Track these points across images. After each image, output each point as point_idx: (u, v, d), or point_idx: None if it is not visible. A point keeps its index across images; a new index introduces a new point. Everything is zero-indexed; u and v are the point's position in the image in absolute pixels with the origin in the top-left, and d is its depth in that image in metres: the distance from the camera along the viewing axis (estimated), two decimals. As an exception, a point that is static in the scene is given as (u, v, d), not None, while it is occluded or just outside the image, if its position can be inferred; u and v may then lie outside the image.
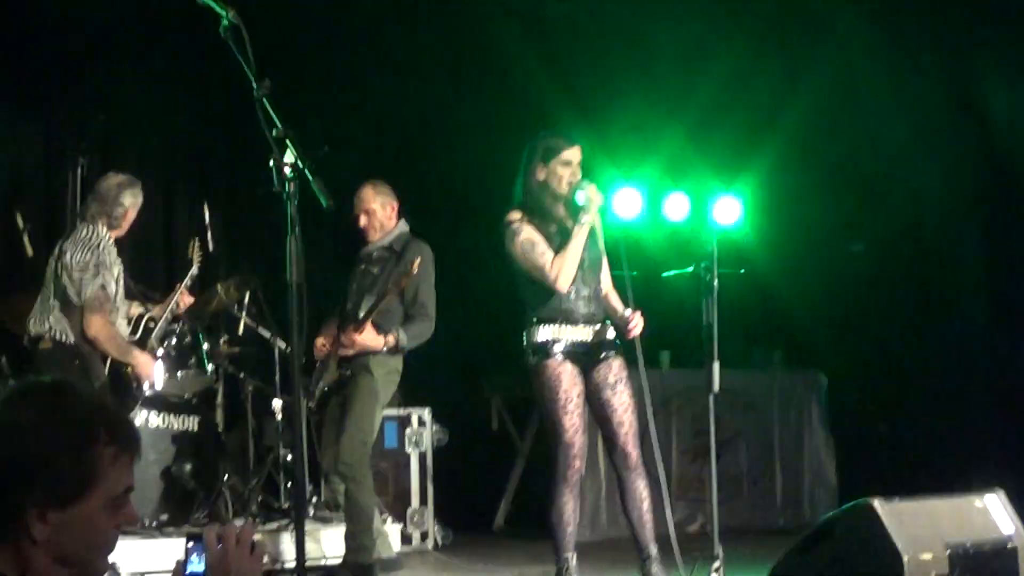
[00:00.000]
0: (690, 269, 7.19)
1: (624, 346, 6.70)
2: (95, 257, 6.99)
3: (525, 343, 6.60)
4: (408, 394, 9.49)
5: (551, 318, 6.53)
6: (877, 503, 5.26)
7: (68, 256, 7.02)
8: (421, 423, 9.32)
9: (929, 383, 11.23)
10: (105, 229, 7.15)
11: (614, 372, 6.60)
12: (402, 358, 7.49)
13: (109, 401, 2.63)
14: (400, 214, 7.61)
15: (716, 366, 6.29)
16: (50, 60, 9.74)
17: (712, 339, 6.34)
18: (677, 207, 9.33)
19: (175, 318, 7.87)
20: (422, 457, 9.29)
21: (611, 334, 6.69)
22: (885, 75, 11.20)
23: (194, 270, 7.90)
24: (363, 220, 7.51)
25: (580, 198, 6.45)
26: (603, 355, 6.61)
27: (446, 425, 9.52)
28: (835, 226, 11.91)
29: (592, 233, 6.60)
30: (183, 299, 7.72)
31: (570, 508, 6.51)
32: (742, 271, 10.01)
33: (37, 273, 8.00)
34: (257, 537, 2.76)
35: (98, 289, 6.95)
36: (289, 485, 8.57)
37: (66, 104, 9.82)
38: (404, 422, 9.27)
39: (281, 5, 9.66)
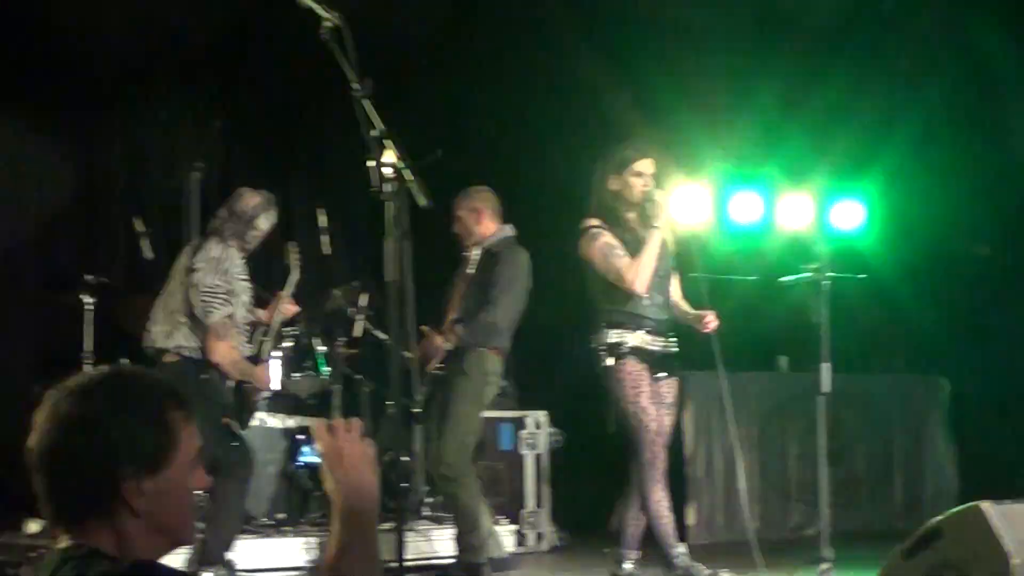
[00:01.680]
0: (806, 274, 7.14)
1: (707, 347, 6.75)
2: (226, 283, 6.97)
3: (596, 345, 6.77)
4: (525, 396, 9.54)
5: (623, 322, 6.71)
6: (986, 506, 5.16)
7: (199, 275, 6.94)
8: (537, 425, 9.34)
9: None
10: (237, 251, 7.13)
11: (673, 393, 6.85)
12: (500, 359, 7.48)
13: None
14: (500, 217, 7.64)
15: (826, 367, 6.26)
16: (170, 66, 9.94)
17: (821, 341, 6.29)
18: (797, 211, 9.21)
19: (282, 326, 7.89)
20: (538, 459, 9.31)
21: (674, 350, 6.88)
22: (1012, 74, 11.02)
23: (294, 276, 7.86)
24: (455, 226, 7.63)
25: (649, 207, 6.67)
26: (665, 370, 6.81)
27: (563, 427, 9.53)
28: (959, 229, 11.74)
29: (664, 244, 6.80)
30: (287, 308, 7.71)
31: (667, 500, 6.73)
32: (862, 276, 9.92)
33: (157, 276, 8.14)
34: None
35: (225, 316, 6.94)
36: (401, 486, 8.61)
37: (185, 109, 9.99)
38: (520, 424, 9.30)
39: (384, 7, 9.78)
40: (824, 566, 6.41)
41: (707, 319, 6.77)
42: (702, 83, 11.00)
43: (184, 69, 9.96)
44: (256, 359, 7.28)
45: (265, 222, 7.27)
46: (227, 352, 6.94)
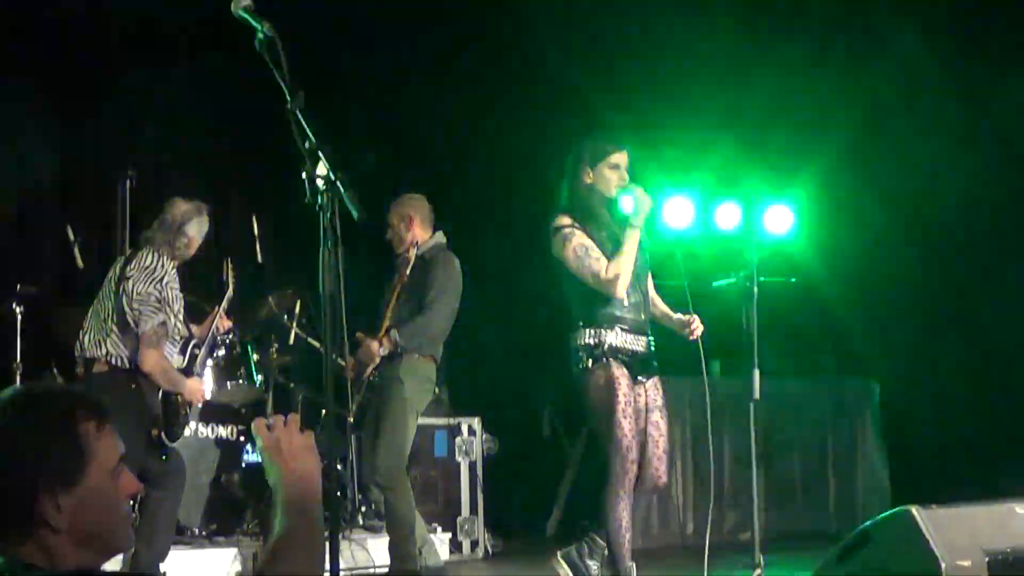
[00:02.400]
0: (735, 278, 7.14)
1: (688, 352, 6.62)
2: (158, 291, 6.92)
3: (573, 347, 6.43)
4: (459, 403, 9.56)
5: (600, 323, 6.36)
6: (916, 510, 5.22)
7: (131, 284, 6.91)
8: (471, 432, 9.35)
9: (985, 389, 11.17)
10: (169, 259, 7.10)
11: (660, 395, 6.52)
12: (433, 365, 7.50)
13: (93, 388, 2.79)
14: (433, 226, 7.66)
15: (756, 373, 6.24)
16: (101, 73, 9.88)
17: (753, 347, 6.27)
18: (728, 216, 9.27)
19: (216, 341, 7.88)
20: (472, 466, 9.32)
21: (653, 348, 6.57)
22: (938, 81, 11.15)
23: (230, 292, 7.88)
24: (387, 233, 7.64)
25: (627, 203, 6.33)
26: (648, 371, 6.50)
27: (497, 434, 9.54)
28: (889, 234, 11.86)
29: (640, 240, 6.46)
30: (222, 323, 7.71)
31: (627, 515, 6.36)
32: (792, 280, 9.99)
33: (88, 285, 8.08)
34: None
35: (157, 325, 6.89)
36: (339, 495, 8.61)
37: (116, 117, 9.93)
38: (454, 431, 9.31)
39: (321, 18, 9.78)
40: (758, 571, 6.45)
41: (693, 325, 6.56)
42: (638, 94, 11.08)
43: (116, 75, 9.90)
44: (189, 371, 7.24)
45: (195, 229, 7.23)
46: (158, 361, 6.89)
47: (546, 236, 6.59)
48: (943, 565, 5.03)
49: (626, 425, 6.27)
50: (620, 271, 6.30)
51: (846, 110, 11.26)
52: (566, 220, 6.47)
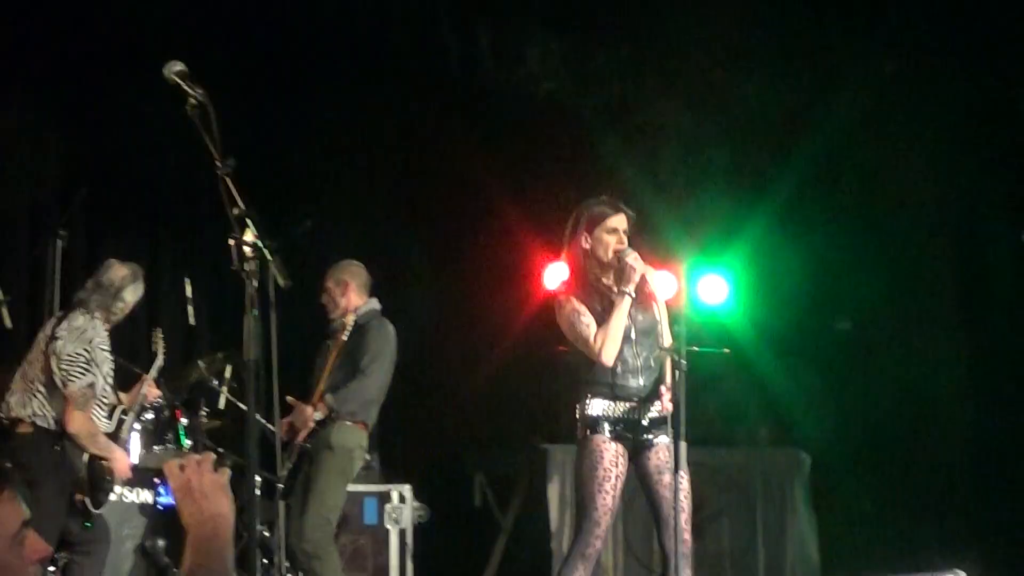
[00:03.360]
0: (663, 349, 7.11)
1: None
2: (87, 352, 6.89)
3: (577, 416, 6.39)
4: (390, 470, 9.50)
5: (600, 392, 6.33)
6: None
7: (60, 344, 6.89)
8: (402, 499, 9.28)
9: (913, 462, 11.23)
10: (102, 323, 7.07)
11: (668, 457, 6.34)
12: (365, 433, 7.49)
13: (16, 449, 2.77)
14: (369, 292, 7.67)
15: (683, 446, 6.21)
16: (34, 130, 9.82)
17: (679, 418, 6.24)
18: (662, 286, 9.30)
19: (144, 409, 7.83)
20: (402, 533, 9.24)
21: (661, 412, 6.45)
22: (871, 153, 11.28)
23: (159, 361, 7.87)
24: (322, 297, 7.65)
25: (620, 269, 6.30)
26: (653, 435, 6.41)
27: (428, 502, 9.49)
28: (822, 304, 11.93)
29: (644, 302, 6.44)
30: (150, 391, 7.67)
31: None
32: (726, 350, 10.03)
33: (15, 346, 8.01)
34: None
35: (85, 386, 6.85)
36: (266, 562, 8.52)
37: (48, 176, 9.87)
38: (384, 498, 9.23)
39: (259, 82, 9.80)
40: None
41: (663, 400, 6.39)
42: (571, 160, 11.15)
43: (49, 131, 9.85)
44: (116, 436, 7.18)
45: (132, 295, 7.22)
46: (84, 423, 6.84)
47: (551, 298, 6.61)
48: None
49: (600, 499, 6.25)
50: (608, 337, 6.25)
51: (780, 180, 11.35)
52: (562, 287, 6.53)
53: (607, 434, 6.29)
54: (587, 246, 6.42)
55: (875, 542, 10.81)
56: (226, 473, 2.81)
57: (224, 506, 2.75)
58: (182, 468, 2.79)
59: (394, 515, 9.23)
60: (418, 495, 9.40)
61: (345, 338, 7.46)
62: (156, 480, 8.18)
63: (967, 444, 11.13)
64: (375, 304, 7.69)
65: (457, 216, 11.37)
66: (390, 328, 7.58)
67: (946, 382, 11.37)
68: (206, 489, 2.74)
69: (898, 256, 11.56)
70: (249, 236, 4.20)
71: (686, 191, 11.28)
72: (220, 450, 8.82)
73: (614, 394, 6.34)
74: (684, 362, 6.13)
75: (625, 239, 6.40)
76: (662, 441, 6.41)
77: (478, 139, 11.09)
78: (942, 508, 10.93)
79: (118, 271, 7.23)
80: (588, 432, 6.31)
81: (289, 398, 7.36)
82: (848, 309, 12.13)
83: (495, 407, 11.19)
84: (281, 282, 4.21)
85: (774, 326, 11.34)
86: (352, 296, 7.64)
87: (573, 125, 11.36)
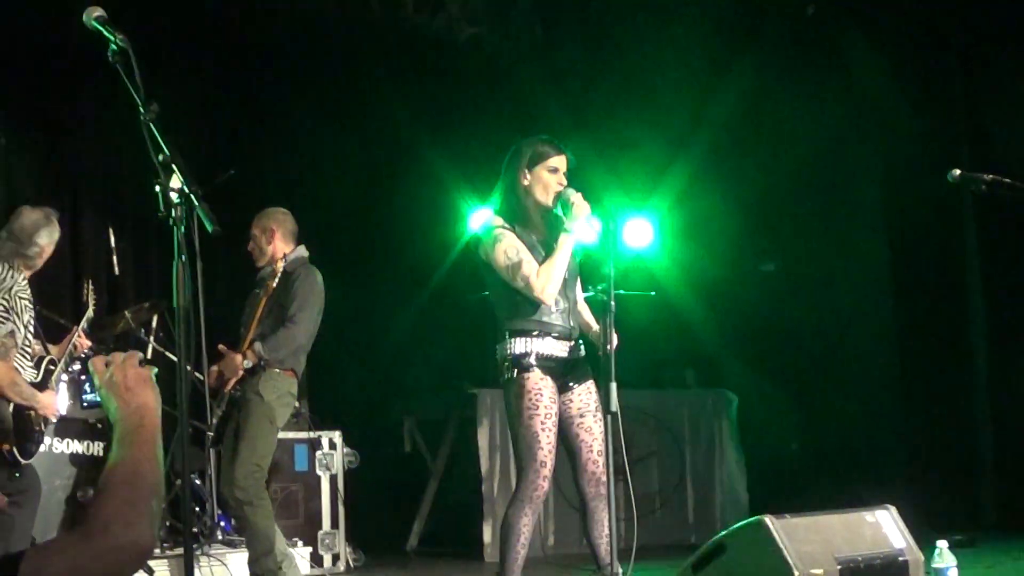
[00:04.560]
0: (594, 292, 7.13)
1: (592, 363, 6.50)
2: (6, 301, 6.81)
3: (499, 356, 6.25)
4: (319, 417, 9.52)
5: (528, 330, 6.19)
6: (769, 519, 5.32)
7: None
8: (332, 445, 9.31)
9: (838, 401, 11.40)
10: (19, 271, 6.99)
11: (593, 397, 6.35)
12: (295, 380, 7.48)
13: None
14: (296, 239, 7.65)
15: (613, 387, 6.22)
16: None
17: (610, 361, 6.25)
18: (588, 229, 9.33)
19: (73, 359, 7.78)
20: (333, 479, 9.27)
21: (583, 352, 6.42)
22: (792, 95, 11.36)
23: (90, 312, 7.80)
24: (249, 245, 7.64)
25: (562, 207, 6.16)
26: (578, 376, 6.35)
27: (358, 448, 9.51)
28: (746, 247, 12.04)
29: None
30: (81, 342, 7.61)
31: (528, 529, 6.16)
32: (652, 293, 10.12)
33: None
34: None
35: (5, 335, 6.79)
36: (197, 510, 8.52)
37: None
38: (315, 444, 9.26)
39: (180, 27, 9.72)
40: (617, 582, 6.47)
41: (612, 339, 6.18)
42: (496, 105, 11.17)
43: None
44: (43, 387, 7.13)
45: (46, 238, 7.11)
46: (6, 372, 6.77)
47: (474, 237, 6.44)
48: (796, 573, 5.13)
49: (544, 438, 6.13)
50: (551, 277, 6.16)
51: (703, 124, 11.43)
52: (498, 221, 6.29)
53: (539, 371, 6.18)
54: (526, 183, 6.28)
55: (803, 480, 10.99)
56: (151, 368, 2.83)
57: (149, 398, 2.75)
58: (107, 364, 2.80)
59: (325, 461, 9.26)
60: (348, 441, 9.42)
61: (274, 286, 7.45)
62: (83, 377, 8.14)
63: (893, 382, 11.30)
64: (303, 251, 7.66)
65: (382, 160, 11.37)
66: (318, 275, 7.56)
67: (872, 322, 11.53)
68: (130, 383, 2.75)
69: (823, 196, 11.68)
70: (175, 182, 4.17)
71: (612, 135, 11.32)
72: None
73: (542, 332, 6.23)
74: (613, 304, 6.12)
75: (564, 179, 6.35)
76: (584, 384, 6.38)
77: (404, 83, 11.08)
78: (870, 445, 11.11)
79: (28, 215, 7.13)
80: (518, 371, 6.18)
81: (220, 346, 7.35)
82: (772, 251, 12.26)
83: (423, 352, 11.22)
84: (209, 228, 4.19)
85: (699, 269, 11.45)
86: (278, 243, 7.61)
87: (497, 70, 11.37)
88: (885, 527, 5.69)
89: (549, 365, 6.23)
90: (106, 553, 2.50)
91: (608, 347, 6.02)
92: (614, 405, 6.11)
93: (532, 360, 6.18)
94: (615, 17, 11.31)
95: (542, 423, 6.14)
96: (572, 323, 6.38)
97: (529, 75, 11.26)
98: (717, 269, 11.67)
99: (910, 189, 10.87)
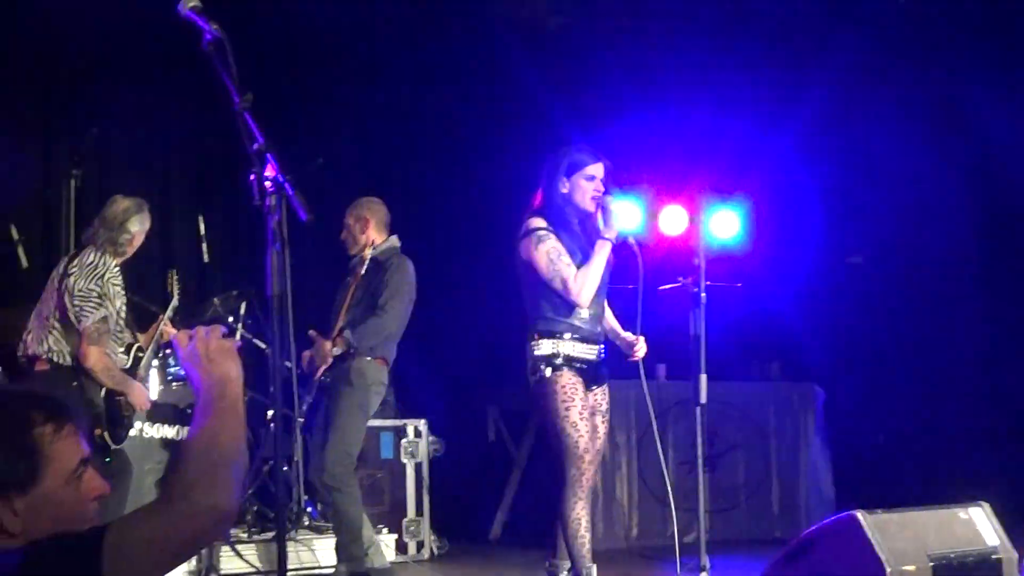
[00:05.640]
0: (682, 283, 7.15)
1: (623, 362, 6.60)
2: (99, 287, 6.91)
3: (531, 356, 6.37)
4: (405, 405, 9.55)
5: (559, 332, 6.32)
6: (861, 515, 5.26)
7: (72, 280, 6.92)
8: (417, 434, 9.34)
9: (926, 395, 11.27)
10: (112, 257, 7.09)
11: (606, 401, 6.49)
12: (385, 368, 7.53)
13: (34, 387, 2.78)
14: (388, 229, 7.69)
15: (703, 379, 6.24)
16: (45, 73, 9.83)
17: (700, 352, 6.27)
18: (674, 220, 9.30)
19: (160, 347, 7.89)
20: (418, 467, 9.31)
21: (603, 357, 6.53)
22: (882, 88, 11.24)
23: (174, 302, 7.91)
24: (343, 233, 7.68)
25: (602, 215, 6.32)
26: (598, 379, 6.46)
27: (443, 436, 9.54)
28: (833, 238, 11.94)
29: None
30: (167, 330, 7.71)
31: (586, 518, 6.30)
32: (739, 284, 10.05)
33: (32, 285, 8.03)
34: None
35: (99, 320, 6.87)
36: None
37: (61, 117, 9.88)
38: (400, 433, 9.30)
39: (284, 18, 9.75)
40: (703, 574, 6.46)
41: (636, 347, 6.57)
42: (586, 95, 11.12)
43: (60, 73, 9.85)
44: (132, 373, 7.22)
45: (137, 225, 7.22)
46: (100, 357, 6.87)
47: (514, 237, 6.51)
48: (888, 570, 5.07)
49: (583, 429, 6.26)
50: (588, 280, 6.28)
51: (792, 115, 11.33)
52: (541, 223, 6.41)
53: (568, 370, 6.30)
54: (565, 190, 6.43)
55: (890, 474, 10.87)
56: (233, 340, 2.87)
57: (232, 369, 2.80)
58: (190, 338, 2.84)
59: (410, 449, 9.30)
60: (434, 429, 9.46)
61: (365, 273, 7.49)
62: (167, 351, 8.24)
63: (984, 375, 11.16)
64: (395, 241, 7.71)
65: (472, 149, 11.36)
66: (410, 265, 7.60)
67: (961, 314, 11.38)
68: (212, 355, 2.80)
69: (911, 187, 11.55)
70: (269, 171, 4.19)
71: (696, 123, 11.25)
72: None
73: (572, 335, 6.35)
74: (704, 296, 6.16)
75: (602, 187, 6.42)
76: (601, 387, 6.48)
77: (492, 73, 11.07)
78: (961, 439, 10.96)
79: (120, 204, 7.25)
80: (552, 370, 6.29)
81: (311, 332, 7.41)
82: (860, 243, 12.14)
83: (509, 342, 11.19)
84: (303, 217, 4.20)
85: (786, 260, 11.36)
86: (371, 232, 7.65)
87: (582, 59, 11.32)
88: (978, 524, 5.62)
89: (577, 367, 6.35)
90: (187, 518, 2.54)
91: (634, 356, 6.12)
92: (703, 397, 6.13)
93: (562, 360, 6.30)
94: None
95: (580, 414, 6.27)
96: (600, 328, 6.51)
97: (614, 63, 11.21)
98: (804, 261, 11.57)
99: (1000, 178, 10.72)
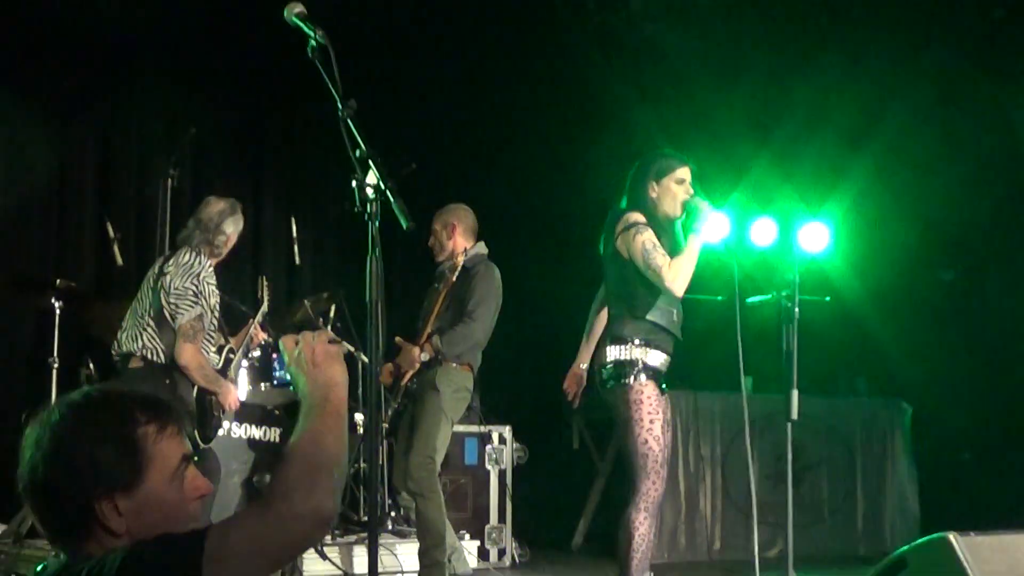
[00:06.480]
0: (772, 296, 7.12)
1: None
2: (195, 286, 6.99)
3: (615, 358, 6.32)
4: (490, 412, 9.56)
5: (648, 340, 6.30)
6: (953, 537, 5.18)
7: (168, 279, 7.00)
8: (502, 441, 9.36)
9: (1015, 413, 11.13)
10: (207, 257, 7.17)
11: (668, 406, 6.44)
12: (471, 375, 7.54)
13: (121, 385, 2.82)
14: (477, 236, 7.70)
15: (795, 394, 6.19)
16: (144, 73, 9.95)
17: (792, 367, 6.23)
18: (764, 232, 9.25)
19: (250, 349, 7.97)
20: (502, 474, 9.32)
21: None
22: (976, 97, 11.13)
23: (264, 307, 8.00)
24: (430, 240, 7.70)
25: (695, 213, 6.30)
26: (664, 386, 6.43)
27: (527, 443, 9.55)
28: (924, 253, 11.83)
29: None
30: (257, 335, 7.80)
31: (649, 531, 6.24)
32: (827, 299, 9.98)
33: (127, 283, 8.13)
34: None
35: (194, 318, 6.95)
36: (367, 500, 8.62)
37: (158, 116, 9.99)
38: (485, 439, 9.32)
39: (367, 27, 9.81)
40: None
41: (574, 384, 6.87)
42: (672, 107, 11.09)
43: (159, 74, 9.97)
44: (223, 373, 7.29)
45: (232, 226, 7.30)
46: (194, 355, 6.95)
47: (610, 233, 6.48)
48: (980, 593, 5.01)
49: (663, 442, 6.24)
50: (681, 270, 6.23)
51: (882, 127, 11.24)
52: (640, 216, 6.37)
53: (651, 379, 6.27)
54: (654, 195, 6.43)
55: (979, 495, 10.74)
56: (340, 345, 2.88)
57: (338, 374, 2.81)
58: (296, 343, 2.86)
59: (494, 456, 9.31)
60: (518, 436, 9.46)
61: (453, 280, 7.51)
62: (273, 356, 8.33)
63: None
64: (482, 248, 7.72)
65: (564, 158, 11.36)
66: (496, 272, 7.62)
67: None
68: (318, 359, 2.81)
69: (1005, 203, 11.41)
70: (372, 178, 4.22)
71: (788, 136, 11.19)
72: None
73: (661, 341, 6.34)
74: (797, 310, 6.13)
75: (691, 189, 6.42)
76: (665, 394, 6.43)
77: (582, 81, 11.08)
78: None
79: (215, 205, 7.33)
80: (645, 376, 6.25)
81: (397, 338, 7.44)
82: (952, 258, 12.02)
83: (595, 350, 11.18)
84: (404, 224, 4.23)
85: (876, 275, 11.26)
86: (458, 239, 7.67)
87: (672, 70, 11.30)
88: (1073, 549, 5.53)
89: (658, 373, 6.33)
90: (287, 521, 2.54)
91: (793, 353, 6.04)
92: (795, 413, 6.09)
93: (650, 367, 6.24)
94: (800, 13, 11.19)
95: (663, 427, 6.25)
96: (679, 335, 6.46)
97: (706, 74, 11.18)
98: (894, 275, 11.47)
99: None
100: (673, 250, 6.32)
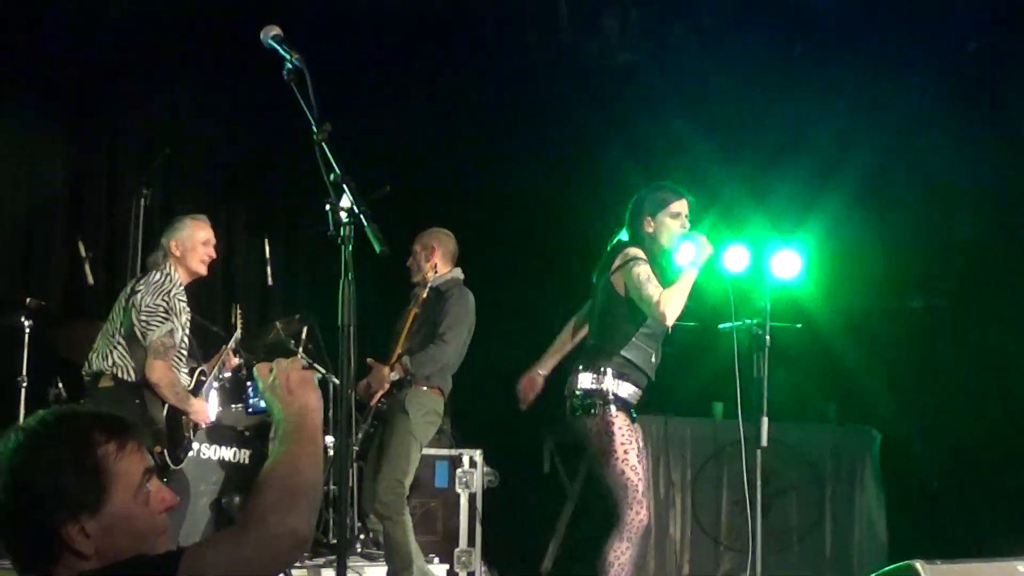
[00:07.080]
0: (743, 323, 7.14)
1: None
2: (166, 302, 7.01)
3: (589, 387, 6.42)
4: (460, 435, 9.55)
5: (625, 372, 6.41)
6: (920, 565, 5.22)
7: (139, 297, 7.02)
8: (472, 464, 9.35)
9: (983, 442, 11.15)
10: (177, 274, 7.18)
11: (642, 435, 6.57)
12: (441, 398, 7.55)
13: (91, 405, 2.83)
14: (454, 262, 7.72)
15: (765, 421, 6.23)
16: (116, 92, 9.93)
17: (762, 394, 6.27)
18: (736, 259, 9.28)
19: (222, 371, 7.97)
20: (472, 498, 9.31)
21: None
22: (947, 129, 11.17)
23: (238, 334, 8.02)
24: (408, 260, 7.72)
25: (687, 249, 6.39)
26: (635, 414, 6.54)
27: (498, 467, 9.54)
28: (895, 282, 11.86)
29: None
30: (229, 361, 7.82)
31: (629, 561, 6.33)
32: (799, 326, 10.00)
33: (97, 302, 8.11)
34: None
35: (164, 335, 6.96)
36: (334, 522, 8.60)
37: (131, 135, 9.97)
38: (455, 462, 9.30)
39: (344, 51, 9.82)
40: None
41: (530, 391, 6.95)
42: (644, 132, 11.12)
43: (132, 93, 9.95)
44: (195, 393, 7.28)
45: (201, 238, 7.32)
46: (165, 371, 6.95)
47: (607, 265, 6.59)
48: (946, 622, 5.04)
49: (640, 470, 6.30)
50: (673, 300, 6.30)
51: (855, 155, 11.28)
52: (639, 252, 6.49)
53: (624, 409, 6.38)
54: (650, 230, 6.53)
55: (948, 523, 10.75)
56: (313, 372, 2.94)
57: (312, 400, 2.87)
58: (271, 370, 2.92)
59: (464, 479, 9.29)
60: (489, 460, 9.45)
61: (424, 299, 7.52)
62: (248, 384, 8.30)
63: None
64: (458, 273, 7.75)
65: (538, 184, 11.37)
66: (470, 297, 7.65)
67: (1020, 362, 11.26)
68: (293, 385, 2.87)
69: (977, 232, 11.45)
70: (346, 201, 4.23)
71: (760, 165, 11.23)
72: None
73: (638, 376, 6.47)
74: (768, 338, 6.18)
75: (687, 223, 6.47)
76: (635, 423, 6.53)
77: (559, 109, 11.10)
78: (1018, 491, 10.83)
79: (183, 221, 7.39)
80: (616, 408, 6.35)
81: (369, 359, 7.45)
82: (921, 287, 12.05)
83: (566, 375, 11.17)
84: (377, 248, 4.24)
85: (847, 302, 11.29)
86: (437, 261, 7.69)
87: (649, 98, 11.33)
88: (1037, 577, 5.56)
89: (627, 404, 6.44)
90: (264, 542, 2.56)
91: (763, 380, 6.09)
92: (764, 440, 6.12)
93: (620, 398, 6.37)
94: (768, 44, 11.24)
95: (637, 456, 6.35)
96: (653, 377, 6.59)
97: (680, 103, 11.21)
98: (865, 303, 11.50)
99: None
100: (665, 284, 6.36)
